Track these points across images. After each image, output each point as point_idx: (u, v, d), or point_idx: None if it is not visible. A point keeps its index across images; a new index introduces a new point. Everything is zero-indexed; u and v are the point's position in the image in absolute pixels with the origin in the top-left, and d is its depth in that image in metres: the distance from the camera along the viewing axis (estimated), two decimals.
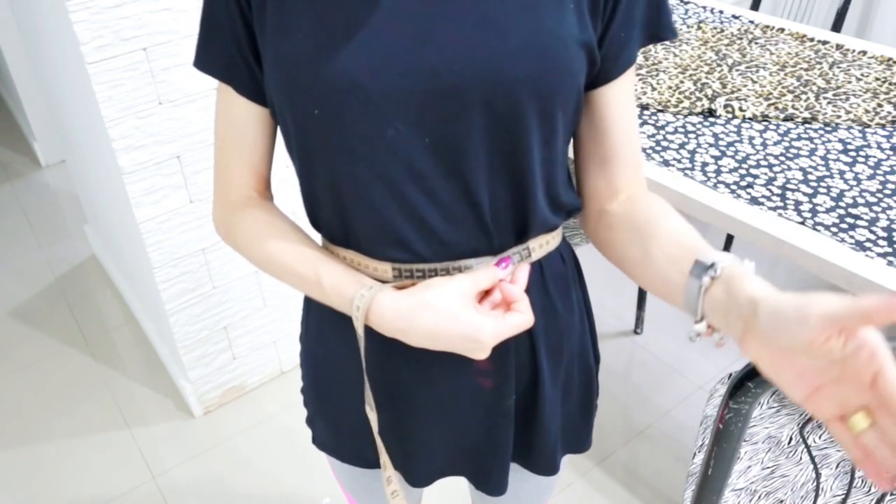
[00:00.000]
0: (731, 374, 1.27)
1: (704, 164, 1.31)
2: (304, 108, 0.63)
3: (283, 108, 0.66)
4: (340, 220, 0.70)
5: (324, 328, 0.79)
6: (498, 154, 0.64)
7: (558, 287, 0.76)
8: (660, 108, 1.49)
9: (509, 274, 0.68)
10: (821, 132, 1.41)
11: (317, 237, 0.77)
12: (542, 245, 0.73)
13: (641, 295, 2.11)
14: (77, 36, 1.33)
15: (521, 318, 0.66)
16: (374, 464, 0.84)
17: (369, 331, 0.69)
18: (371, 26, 0.60)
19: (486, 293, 0.68)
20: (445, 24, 0.60)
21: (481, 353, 0.65)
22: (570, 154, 0.75)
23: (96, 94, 1.40)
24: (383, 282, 0.70)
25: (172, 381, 2.03)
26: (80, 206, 2.75)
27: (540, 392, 0.77)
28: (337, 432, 0.85)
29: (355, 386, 0.77)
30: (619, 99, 0.71)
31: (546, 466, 0.83)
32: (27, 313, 2.31)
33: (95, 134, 1.59)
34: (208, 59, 0.70)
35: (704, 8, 1.97)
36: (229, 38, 0.67)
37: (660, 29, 0.69)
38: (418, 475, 0.83)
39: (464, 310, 0.64)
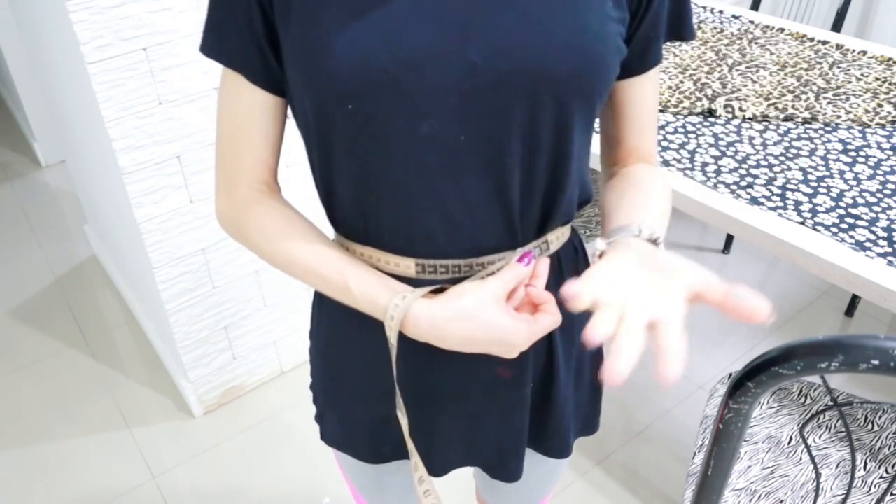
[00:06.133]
0: (731, 374, 1.27)
1: (704, 164, 1.31)
2: (334, 102, 0.61)
3: (307, 102, 0.63)
4: (362, 216, 0.69)
5: (337, 325, 0.79)
6: (535, 150, 0.64)
7: (572, 277, 0.77)
8: (660, 108, 1.49)
9: (532, 269, 0.69)
10: (821, 132, 1.41)
11: (330, 232, 0.77)
12: (559, 237, 0.74)
13: None
14: (77, 36, 1.33)
15: (551, 319, 0.67)
16: (387, 458, 0.84)
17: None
18: (409, 19, 0.59)
19: (511, 291, 0.69)
20: (487, 19, 0.59)
21: (514, 354, 0.67)
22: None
23: (96, 94, 1.40)
24: (406, 278, 0.70)
25: (172, 381, 2.03)
26: (80, 206, 2.75)
27: (555, 378, 0.78)
28: (350, 428, 0.85)
29: (370, 382, 0.77)
30: (639, 92, 0.74)
31: (560, 449, 0.85)
32: (27, 313, 2.31)
33: (95, 134, 1.59)
34: (217, 44, 0.66)
35: (704, 8, 1.97)
36: (242, 23, 0.64)
37: (682, 29, 0.72)
38: (435, 466, 0.84)
39: (497, 316, 0.65)
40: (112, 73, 1.39)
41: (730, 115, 1.46)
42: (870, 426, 1.21)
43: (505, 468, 0.83)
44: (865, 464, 1.15)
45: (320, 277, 0.70)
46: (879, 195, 1.22)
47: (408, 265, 0.70)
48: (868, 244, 1.11)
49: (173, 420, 1.93)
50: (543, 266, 0.70)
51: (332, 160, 0.67)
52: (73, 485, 1.77)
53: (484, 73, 0.59)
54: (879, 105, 1.47)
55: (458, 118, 0.61)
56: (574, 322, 0.79)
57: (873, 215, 1.17)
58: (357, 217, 0.70)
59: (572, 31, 0.60)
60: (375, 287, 0.68)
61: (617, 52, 0.64)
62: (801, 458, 1.16)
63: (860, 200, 1.21)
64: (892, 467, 1.14)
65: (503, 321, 0.64)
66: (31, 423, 1.94)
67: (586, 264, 0.82)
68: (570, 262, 0.77)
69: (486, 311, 0.64)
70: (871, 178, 1.27)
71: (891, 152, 1.34)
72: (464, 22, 0.59)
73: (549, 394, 0.80)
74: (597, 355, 0.86)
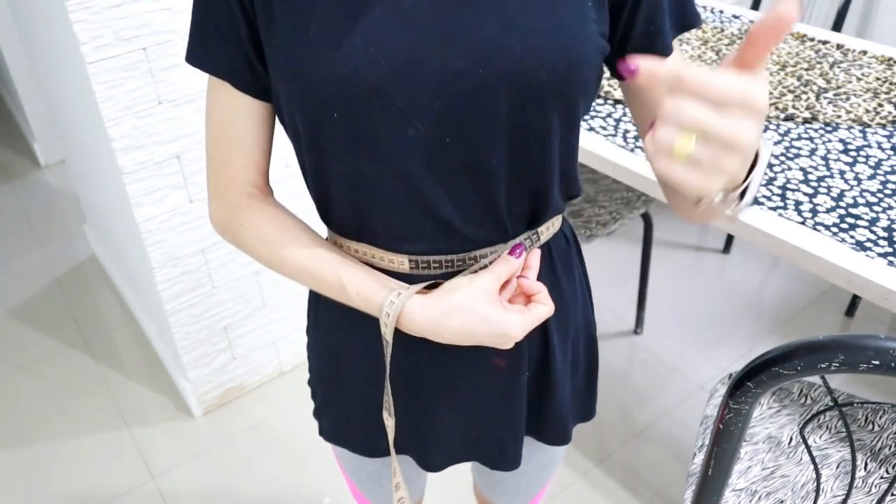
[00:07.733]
0: (731, 374, 1.27)
1: None
2: (320, 110, 0.62)
3: (294, 110, 0.64)
4: (355, 216, 0.70)
5: (333, 319, 0.79)
6: (518, 151, 0.65)
7: (564, 266, 0.78)
8: None
9: (523, 261, 0.71)
10: (821, 132, 1.41)
11: (322, 230, 0.77)
12: (549, 228, 0.75)
13: (641, 295, 2.10)
14: (77, 36, 1.33)
15: (544, 309, 0.69)
16: (384, 452, 0.85)
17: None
18: (390, 28, 0.59)
19: (504, 282, 0.70)
20: (467, 25, 0.59)
21: (509, 345, 0.68)
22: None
23: (96, 94, 1.39)
24: (400, 274, 0.71)
25: (172, 381, 2.03)
26: (80, 206, 2.75)
27: (551, 366, 0.79)
28: (346, 422, 0.85)
29: (367, 376, 0.78)
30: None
31: (560, 436, 0.86)
32: (27, 313, 2.30)
33: (95, 134, 1.59)
34: (203, 54, 0.67)
35: (704, 8, 1.97)
36: (227, 32, 0.64)
37: (687, 16, 0.70)
38: (433, 460, 0.85)
39: (491, 308, 0.66)
40: (111, 72, 1.39)
41: None
42: (870, 426, 1.21)
43: (505, 458, 0.84)
44: (866, 464, 1.15)
45: (315, 278, 0.71)
46: (880, 195, 1.22)
47: (401, 261, 0.70)
48: (868, 244, 1.11)
49: (173, 420, 1.93)
50: (535, 257, 0.72)
51: (323, 164, 0.67)
52: (72, 485, 1.77)
53: (465, 78, 0.59)
54: (880, 105, 1.47)
55: (443, 122, 0.61)
56: (568, 310, 0.79)
57: (874, 215, 1.17)
58: (350, 216, 0.70)
59: (552, 33, 0.60)
60: (370, 285, 0.69)
61: (598, 51, 0.64)
62: (801, 459, 1.16)
63: (860, 200, 1.21)
64: (893, 468, 1.14)
65: (496, 313, 0.66)
66: (31, 423, 1.93)
67: (579, 254, 0.83)
68: (561, 252, 0.78)
69: (480, 305, 0.66)
70: (871, 177, 1.27)
71: (891, 152, 1.34)
72: (445, 28, 0.59)
73: (547, 382, 0.80)
74: (591, 342, 0.86)
